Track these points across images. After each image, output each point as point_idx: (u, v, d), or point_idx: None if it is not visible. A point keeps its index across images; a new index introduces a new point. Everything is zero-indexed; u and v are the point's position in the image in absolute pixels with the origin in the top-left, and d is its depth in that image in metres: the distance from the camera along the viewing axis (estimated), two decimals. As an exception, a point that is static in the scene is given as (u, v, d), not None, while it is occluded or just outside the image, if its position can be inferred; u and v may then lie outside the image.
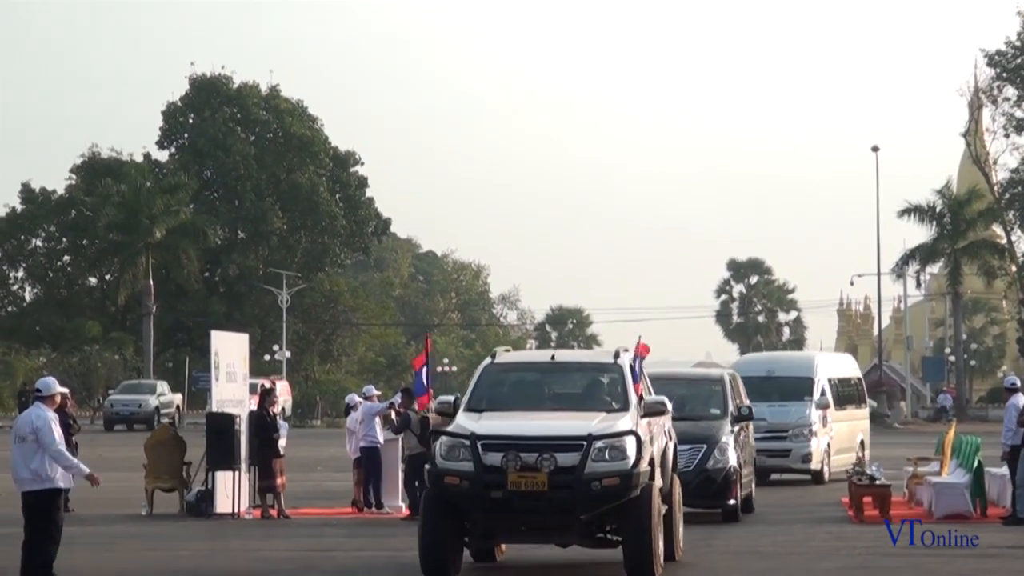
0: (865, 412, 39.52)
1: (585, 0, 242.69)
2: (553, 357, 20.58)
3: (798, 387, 35.13)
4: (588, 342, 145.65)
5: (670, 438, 20.76)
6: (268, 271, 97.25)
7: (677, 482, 20.84)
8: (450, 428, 18.70)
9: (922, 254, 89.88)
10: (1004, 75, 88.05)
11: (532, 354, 21.92)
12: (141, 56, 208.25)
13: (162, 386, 73.76)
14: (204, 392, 62.18)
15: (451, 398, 19.61)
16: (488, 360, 20.25)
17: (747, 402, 27.81)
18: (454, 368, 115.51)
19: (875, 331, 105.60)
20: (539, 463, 17.88)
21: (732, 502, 25.50)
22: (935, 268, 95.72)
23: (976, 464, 26.45)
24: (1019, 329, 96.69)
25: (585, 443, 17.97)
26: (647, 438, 18.80)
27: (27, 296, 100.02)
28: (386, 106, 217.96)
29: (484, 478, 17.93)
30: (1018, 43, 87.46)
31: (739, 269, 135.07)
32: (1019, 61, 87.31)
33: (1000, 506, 26.70)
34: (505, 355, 20.62)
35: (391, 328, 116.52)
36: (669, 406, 19.58)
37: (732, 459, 25.60)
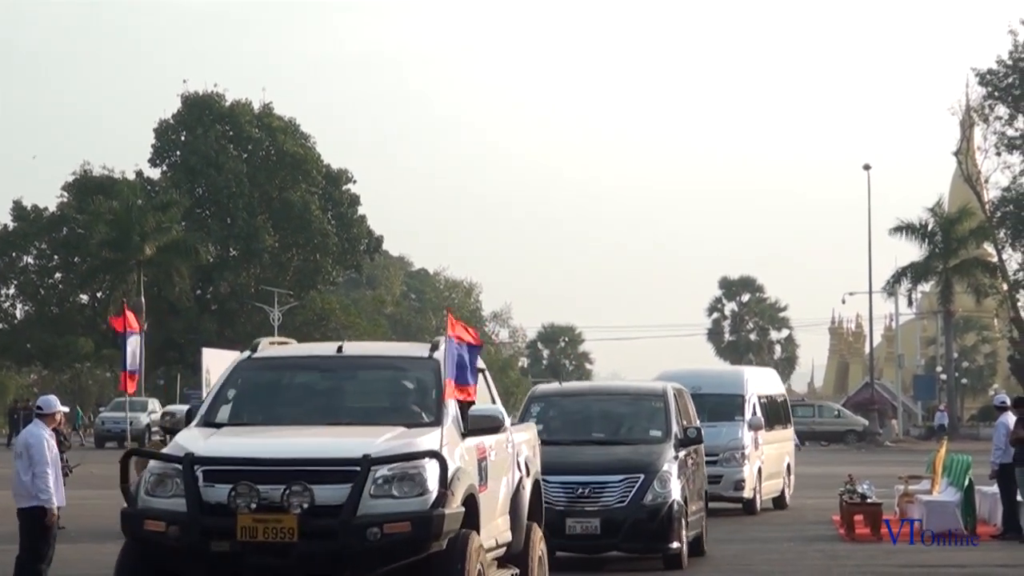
0: (791, 433, 36.33)
1: (576, 20, 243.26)
2: (340, 350, 14.77)
3: (728, 405, 31.43)
4: (580, 360, 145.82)
5: (526, 472, 15.46)
6: (260, 289, 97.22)
7: (538, 537, 15.53)
8: (166, 449, 13.44)
9: (914, 272, 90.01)
10: (995, 94, 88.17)
11: (310, 347, 16.29)
12: (133, 74, 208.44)
13: (153, 404, 73.68)
14: (195, 409, 62.02)
15: (184, 408, 14.49)
16: (244, 355, 14.78)
17: (696, 422, 23.56)
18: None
19: (867, 349, 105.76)
20: (286, 500, 12.23)
21: (676, 545, 20.76)
22: (927, 286, 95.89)
23: (967, 482, 26.48)
24: (1010, 348, 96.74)
25: (360, 469, 12.29)
26: (469, 465, 13.44)
27: (18, 313, 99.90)
28: (378, 125, 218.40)
29: (202, 522, 12.34)
30: (1009, 62, 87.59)
31: (731, 287, 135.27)
32: (1010, 80, 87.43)
33: (991, 524, 26.72)
34: (269, 348, 15.05)
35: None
36: (506, 420, 14.30)
37: (675, 492, 20.83)
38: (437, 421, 13.36)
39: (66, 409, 18.91)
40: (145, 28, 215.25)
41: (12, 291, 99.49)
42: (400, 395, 14.18)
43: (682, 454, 21.59)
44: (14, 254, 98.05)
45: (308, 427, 13.56)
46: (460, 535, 12.73)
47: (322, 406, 14.00)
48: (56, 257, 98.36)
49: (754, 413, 31.70)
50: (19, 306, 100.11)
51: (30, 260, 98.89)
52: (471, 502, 13.12)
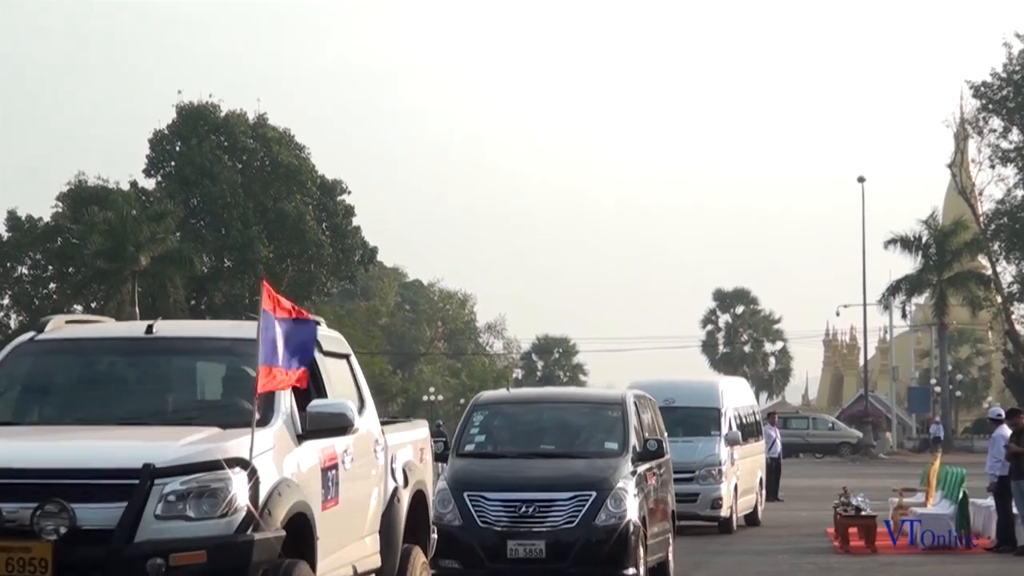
0: (762, 446, 34.86)
1: (573, 34, 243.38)
2: (151, 329, 11.82)
3: (704, 419, 29.78)
4: (574, 372, 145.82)
5: (403, 482, 13.00)
6: (254, 299, 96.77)
7: (420, 562, 13.27)
8: None
9: (908, 285, 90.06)
10: (990, 106, 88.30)
11: (114, 327, 12.93)
12: (128, 84, 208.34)
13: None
14: (189, 420, 62.00)
15: None
16: (27, 335, 11.91)
17: (664, 434, 21.56)
18: (440, 397, 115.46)
19: (861, 361, 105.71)
20: (36, 522, 9.51)
21: (631, 571, 18.31)
22: (921, 299, 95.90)
23: (961, 495, 26.46)
24: (1004, 360, 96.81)
25: (139, 483, 9.61)
26: (306, 475, 10.71)
27: (12, 323, 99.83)
28: (373, 136, 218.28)
29: None
30: (1004, 74, 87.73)
31: (725, 299, 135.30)
32: (1005, 92, 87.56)
33: (985, 537, 26.72)
34: (64, 328, 12.04)
35: (377, 357, 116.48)
36: (354, 417, 11.21)
37: (632, 511, 18.37)
38: (263, 420, 10.51)
39: None
40: (140, 38, 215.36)
41: (6, 301, 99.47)
42: (220, 386, 11.64)
43: (642, 469, 19.19)
44: (8, 264, 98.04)
45: (91, 428, 10.71)
46: (283, 566, 10.03)
47: (115, 400, 11.21)
48: (50, 267, 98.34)
49: (730, 427, 30.21)
50: (13, 316, 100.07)
51: (24, 270, 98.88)
52: (302, 522, 10.40)
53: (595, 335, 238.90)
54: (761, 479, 33.21)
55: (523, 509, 18.26)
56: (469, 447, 19.70)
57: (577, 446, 19.62)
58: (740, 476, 30.45)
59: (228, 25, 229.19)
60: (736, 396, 32.22)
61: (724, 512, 29.27)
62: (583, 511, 18.21)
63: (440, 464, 19.16)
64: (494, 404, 20.88)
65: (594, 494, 18.30)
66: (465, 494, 18.41)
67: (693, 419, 29.55)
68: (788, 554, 25.88)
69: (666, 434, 22.13)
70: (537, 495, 18.34)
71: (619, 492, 18.39)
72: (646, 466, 19.40)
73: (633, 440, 19.37)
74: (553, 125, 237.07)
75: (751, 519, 32.10)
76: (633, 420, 19.75)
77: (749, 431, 32.36)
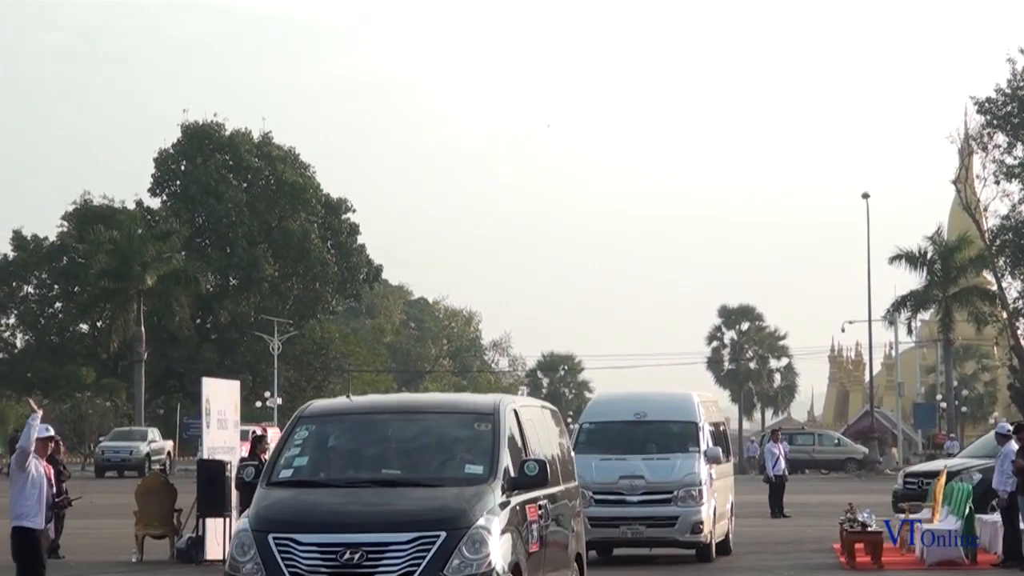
0: (730, 468, 30.95)
1: (577, 52, 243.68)
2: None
3: (681, 435, 26.81)
4: (580, 389, 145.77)
5: None
6: (260, 318, 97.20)
7: None
8: None
9: (913, 301, 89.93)
10: (994, 122, 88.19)
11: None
12: (134, 103, 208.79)
13: (153, 433, 73.62)
14: (195, 439, 62.08)
15: None
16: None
17: (566, 455, 17.19)
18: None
19: (866, 377, 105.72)
20: None
21: None
22: (926, 315, 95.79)
23: (967, 511, 26.43)
24: (1010, 376, 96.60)
25: None
26: None
27: (19, 343, 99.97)
28: (378, 154, 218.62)
29: None
30: (1008, 90, 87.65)
31: (730, 315, 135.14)
32: (1009, 108, 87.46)
33: (991, 552, 26.69)
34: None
35: (383, 375, 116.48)
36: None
37: (497, 557, 13.92)
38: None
39: (52, 434, 18.73)
40: (146, 58, 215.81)
41: (12, 321, 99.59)
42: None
43: (517, 501, 14.68)
44: (14, 284, 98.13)
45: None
46: None
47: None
48: (56, 287, 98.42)
49: (709, 443, 27.07)
50: (19, 335, 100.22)
51: (30, 290, 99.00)
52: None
53: (601, 352, 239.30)
54: (732, 502, 29.57)
55: (346, 556, 13.72)
56: (284, 474, 14.86)
57: (428, 471, 14.86)
58: (718, 499, 27.33)
59: (234, 45, 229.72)
60: (709, 411, 28.73)
61: (704, 537, 26.12)
62: (427, 558, 13.72)
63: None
64: (324, 416, 15.74)
65: (443, 535, 13.82)
66: (271, 537, 13.86)
67: (668, 434, 26.93)
68: (795, 570, 25.84)
69: (573, 455, 18.16)
70: (366, 537, 13.76)
71: (479, 532, 13.91)
72: (524, 497, 14.86)
73: (505, 462, 14.75)
74: (561, 145, 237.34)
75: (722, 547, 28.03)
76: (506, 436, 15.04)
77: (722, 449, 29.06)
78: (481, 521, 13.94)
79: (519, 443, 15.27)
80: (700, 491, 26.02)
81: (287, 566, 13.68)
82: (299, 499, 14.16)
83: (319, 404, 16.09)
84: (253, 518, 14.13)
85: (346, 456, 15.19)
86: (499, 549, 13.97)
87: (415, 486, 14.45)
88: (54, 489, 18.42)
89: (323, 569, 13.66)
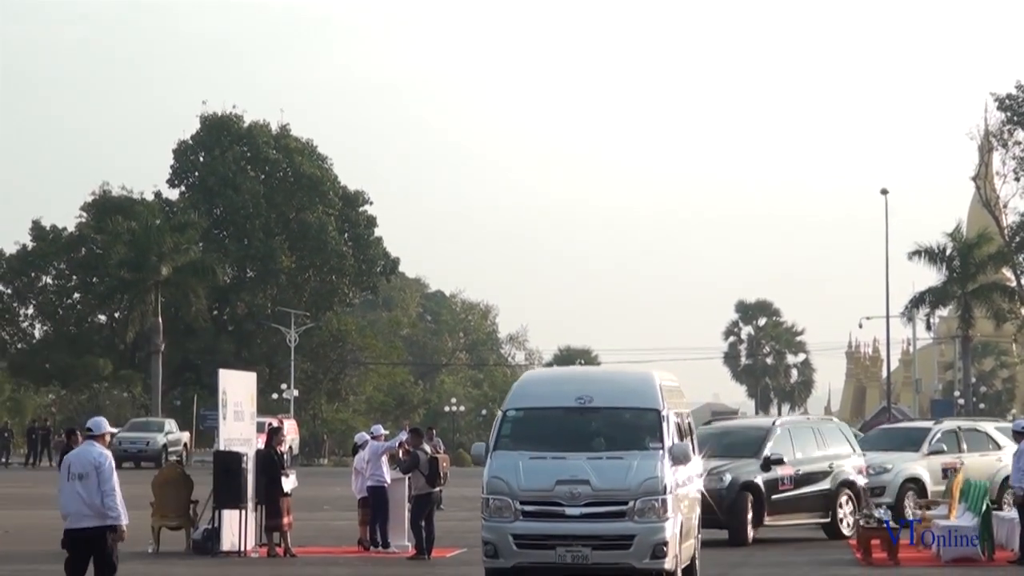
0: (699, 467, 23.25)
1: (594, 49, 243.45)
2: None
3: (639, 426, 20.31)
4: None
5: None
6: (276, 310, 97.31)
7: None
8: None
9: (932, 297, 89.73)
10: (1014, 119, 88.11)
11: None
12: (153, 95, 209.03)
13: (170, 424, 73.70)
14: (212, 430, 62.16)
15: None
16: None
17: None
18: (462, 408, 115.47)
19: (884, 374, 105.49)
20: None
21: None
22: (945, 311, 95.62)
23: (984, 508, 26.38)
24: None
25: None
26: None
27: (37, 333, 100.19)
28: (395, 147, 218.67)
29: None
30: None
31: (747, 311, 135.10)
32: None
33: (1008, 549, 26.63)
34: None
35: (399, 367, 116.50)
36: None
37: None
38: None
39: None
40: (165, 51, 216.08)
41: (31, 311, 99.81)
42: None
43: None
44: (33, 274, 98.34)
45: None
46: None
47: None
48: (74, 277, 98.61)
49: (675, 438, 20.52)
50: (37, 326, 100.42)
51: (49, 280, 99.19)
52: None
53: (617, 346, 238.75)
54: (699, 516, 22.71)
55: None
56: None
57: None
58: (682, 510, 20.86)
59: (252, 39, 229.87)
60: (672, 397, 21.63)
61: (669, 563, 19.68)
62: None
63: None
64: None
65: None
66: None
67: (622, 426, 20.39)
68: (811, 566, 25.82)
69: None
70: None
71: None
72: None
73: None
74: (577, 138, 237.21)
75: (688, 572, 21.45)
76: None
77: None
78: None
79: None
80: (663, 502, 19.59)
81: None
82: None
83: None
84: None
85: None
86: None
87: None
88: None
89: None
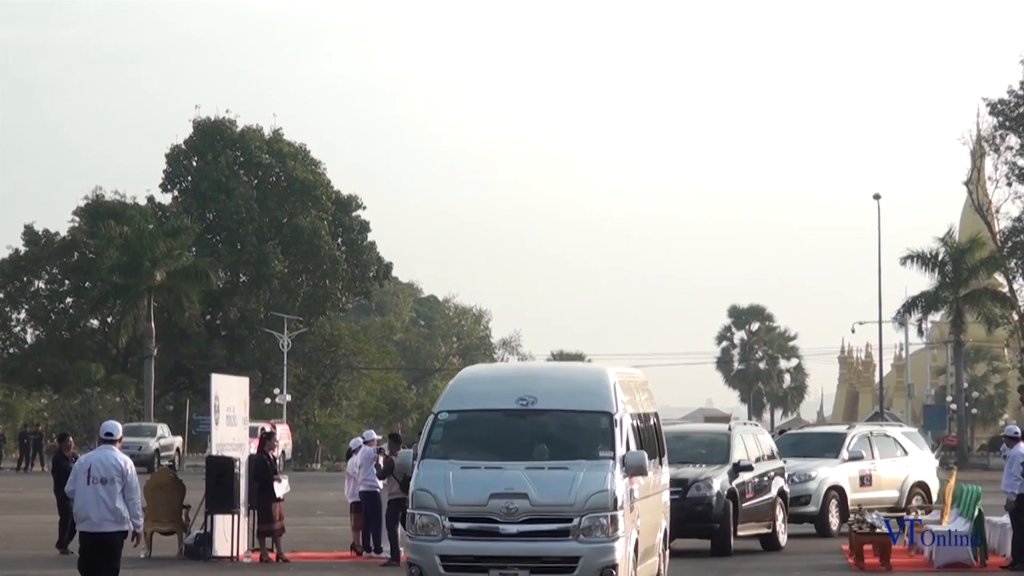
0: (667, 479, 21.52)
1: (590, 55, 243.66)
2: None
3: (587, 432, 18.27)
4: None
5: None
6: (269, 314, 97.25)
7: None
8: None
9: (924, 302, 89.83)
10: (1007, 124, 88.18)
11: None
12: (146, 100, 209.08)
13: (162, 429, 73.61)
14: (204, 435, 62.13)
15: None
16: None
17: None
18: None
19: (876, 379, 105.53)
20: None
21: None
22: (937, 316, 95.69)
23: (977, 513, 26.40)
24: (1021, 377, 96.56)
25: None
26: None
27: (29, 338, 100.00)
28: (388, 152, 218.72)
29: None
30: (1020, 91, 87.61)
31: (740, 316, 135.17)
32: (1022, 110, 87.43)
33: (1000, 555, 26.65)
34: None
35: (392, 372, 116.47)
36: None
37: None
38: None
39: (67, 434, 18.90)
40: (158, 55, 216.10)
41: (23, 315, 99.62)
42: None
43: None
44: (25, 279, 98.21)
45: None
46: None
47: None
48: (67, 282, 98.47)
49: (629, 445, 18.41)
50: (30, 330, 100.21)
51: (41, 284, 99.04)
52: None
53: (610, 351, 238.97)
54: (666, 530, 21.09)
55: None
56: None
57: None
58: (642, 526, 18.76)
59: (245, 43, 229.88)
60: (632, 396, 19.77)
61: None
62: None
63: None
64: None
65: None
66: None
67: (568, 431, 18.31)
68: (803, 571, 25.83)
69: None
70: None
71: None
72: None
73: None
74: (570, 146, 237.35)
75: None
76: None
77: (651, 453, 19.67)
78: None
79: None
80: (613, 518, 17.48)
81: None
82: None
83: None
84: None
85: None
86: None
87: None
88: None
89: None
